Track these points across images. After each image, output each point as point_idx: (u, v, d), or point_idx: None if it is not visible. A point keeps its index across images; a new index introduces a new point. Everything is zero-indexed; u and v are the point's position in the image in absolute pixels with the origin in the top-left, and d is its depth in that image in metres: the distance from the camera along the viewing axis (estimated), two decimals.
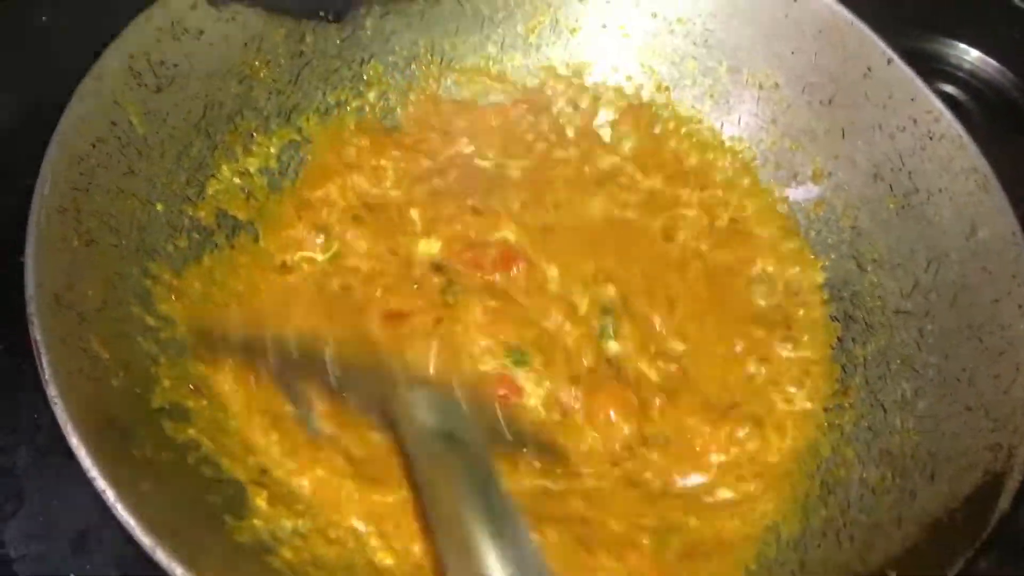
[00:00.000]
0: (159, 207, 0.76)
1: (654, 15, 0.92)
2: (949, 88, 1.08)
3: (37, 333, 0.59)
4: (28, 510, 0.76)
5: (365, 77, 0.90)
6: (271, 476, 0.70)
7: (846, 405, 0.78)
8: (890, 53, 0.80)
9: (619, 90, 0.94)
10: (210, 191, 0.80)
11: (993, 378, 0.69)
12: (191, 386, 0.70)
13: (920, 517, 0.67)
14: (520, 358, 0.79)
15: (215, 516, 0.64)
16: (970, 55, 1.10)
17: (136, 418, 0.64)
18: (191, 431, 0.68)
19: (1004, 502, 0.63)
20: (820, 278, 0.85)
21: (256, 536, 0.66)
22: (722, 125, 0.92)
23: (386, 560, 0.69)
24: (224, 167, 0.82)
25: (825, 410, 0.79)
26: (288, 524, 0.68)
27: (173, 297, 0.74)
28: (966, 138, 0.76)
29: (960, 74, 1.09)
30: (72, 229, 0.67)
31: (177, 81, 0.78)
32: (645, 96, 0.94)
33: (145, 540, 0.56)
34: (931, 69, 1.08)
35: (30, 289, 0.61)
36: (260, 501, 0.68)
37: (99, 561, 0.72)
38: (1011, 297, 0.71)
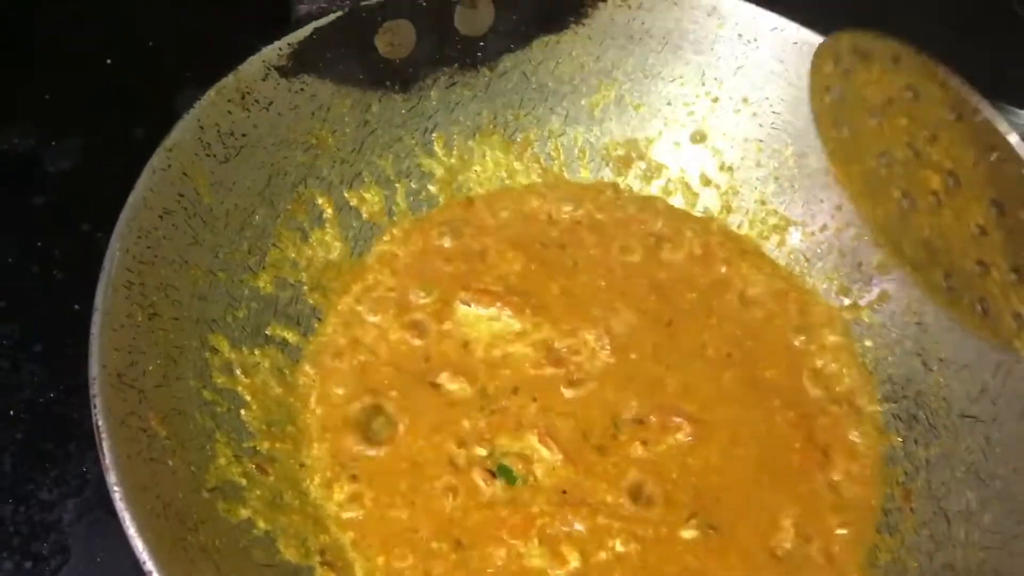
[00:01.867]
0: (221, 276, 0.76)
1: (718, 96, 0.91)
2: None
3: (100, 418, 0.59)
4: (73, 565, 0.76)
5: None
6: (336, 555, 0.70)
7: (908, 510, 0.76)
8: None
9: (683, 171, 0.94)
10: (270, 260, 0.81)
11: None
12: (254, 465, 0.70)
13: None
14: None
15: None
16: None
17: (191, 500, 0.64)
18: (244, 511, 0.68)
19: None
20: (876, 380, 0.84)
21: None
22: (786, 208, 0.91)
23: None
24: (285, 237, 0.82)
25: (885, 512, 0.77)
26: None
27: (239, 372, 0.74)
28: None
29: None
30: (137, 304, 0.67)
31: (244, 151, 0.78)
32: (711, 175, 0.93)
33: None
34: None
35: (94, 370, 0.61)
36: None
37: None
38: None
